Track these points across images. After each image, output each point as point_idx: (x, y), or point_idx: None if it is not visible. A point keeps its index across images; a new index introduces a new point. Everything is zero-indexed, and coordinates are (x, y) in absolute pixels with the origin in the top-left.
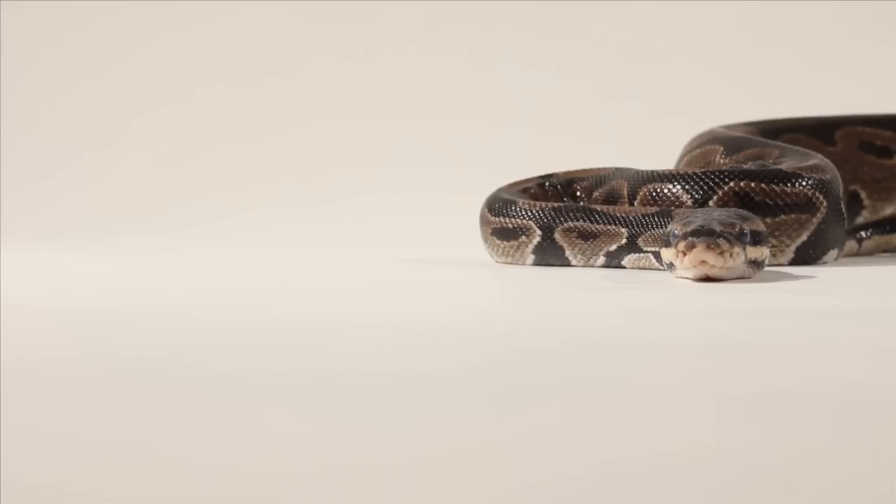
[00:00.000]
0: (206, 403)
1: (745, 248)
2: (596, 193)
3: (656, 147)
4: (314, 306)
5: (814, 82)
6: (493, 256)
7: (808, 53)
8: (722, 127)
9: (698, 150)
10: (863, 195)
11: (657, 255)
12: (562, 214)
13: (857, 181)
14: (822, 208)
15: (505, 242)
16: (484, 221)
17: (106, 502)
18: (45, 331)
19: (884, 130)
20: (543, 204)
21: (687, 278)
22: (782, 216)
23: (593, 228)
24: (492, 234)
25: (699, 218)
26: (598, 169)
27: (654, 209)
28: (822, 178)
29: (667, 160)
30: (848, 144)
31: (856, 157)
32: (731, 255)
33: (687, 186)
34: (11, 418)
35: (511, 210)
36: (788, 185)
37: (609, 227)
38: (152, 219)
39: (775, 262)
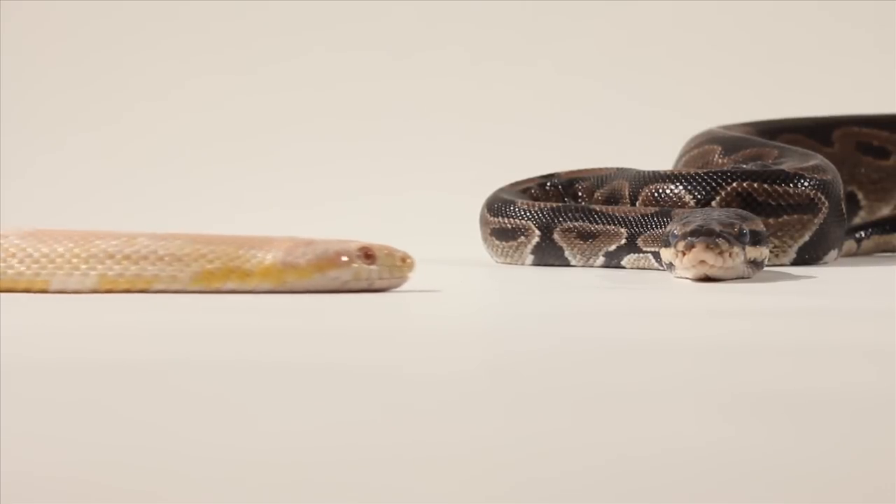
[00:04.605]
0: (204, 400)
1: (744, 248)
2: (597, 194)
3: (655, 147)
4: (312, 305)
5: (811, 83)
6: (492, 257)
7: (806, 54)
8: (720, 127)
9: (696, 151)
10: (860, 196)
11: (657, 256)
12: (560, 214)
13: (854, 182)
14: (823, 209)
15: (504, 243)
16: (483, 222)
17: (106, 501)
18: (43, 331)
19: (881, 131)
20: (542, 204)
21: (686, 278)
22: (785, 216)
23: (592, 228)
24: (491, 234)
25: (698, 218)
26: (600, 169)
27: (654, 209)
28: (824, 178)
29: (665, 160)
30: (845, 145)
31: (853, 157)
32: (730, 254)
33: (689, 187)
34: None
35: (510, 210)
36: (791, 185)
37: (608, 227)
38: (150, 219)
39: (777, 263)
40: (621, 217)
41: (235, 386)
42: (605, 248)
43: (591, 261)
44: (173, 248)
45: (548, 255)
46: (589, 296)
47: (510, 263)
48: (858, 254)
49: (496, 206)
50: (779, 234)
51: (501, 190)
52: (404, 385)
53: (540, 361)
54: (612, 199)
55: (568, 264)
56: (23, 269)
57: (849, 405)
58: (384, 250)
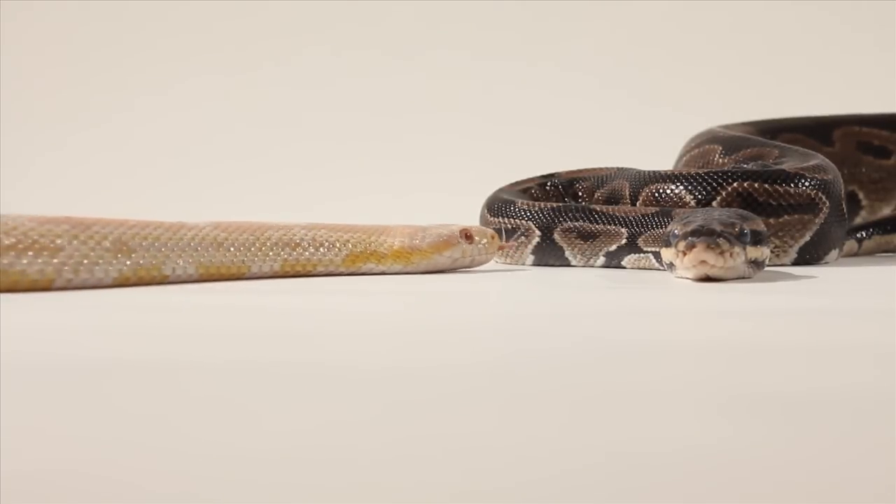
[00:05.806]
0: (207, 398)
1: (745, 248)
2: (597, 194)
3: (655, 147)
4: (313, 304)
5: (812, 82)
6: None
7: (806, 53)
8: (720, 126)
9: (697, 150)
10: (861, 195)
11: (657, 255)
12: (561, 215)
13: (855, 181)
14: (824, 209)
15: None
16: (483, 222)
17: (107, 499)
18: (42, 327)
19: (881, 130)
20: (542, 204)
21: (687, 278)
22: (786, 217)
23: (593, 228)
24: None
25: (699, 218)
26: (600, 169)
27: (654, 209)
28: (825, 178)
29: (666, 160)
30: (846, 144)
31: (854, 157)
32: (731, 254)
33: (690, 187)
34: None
35: (510, 210)
36: (791, 185)
37: (608, 227)
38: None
39: (778, 263)
40: (622, 217)
41: (237, 385)
42: (605, 248)
43: (591, 261)
44: (325, 237)
45: (548, 255)
46: (589, 296)
47: (510, 263)
48: (860, 254)
49: (496, 206)
50: (779, 234)
51: (501, 190)
52: (405, 384)
53: (540, 361)
54: (613, 199)
55: (568, 264)
56: (230, 256)
57: (849, 405)
58: (476, 230)
